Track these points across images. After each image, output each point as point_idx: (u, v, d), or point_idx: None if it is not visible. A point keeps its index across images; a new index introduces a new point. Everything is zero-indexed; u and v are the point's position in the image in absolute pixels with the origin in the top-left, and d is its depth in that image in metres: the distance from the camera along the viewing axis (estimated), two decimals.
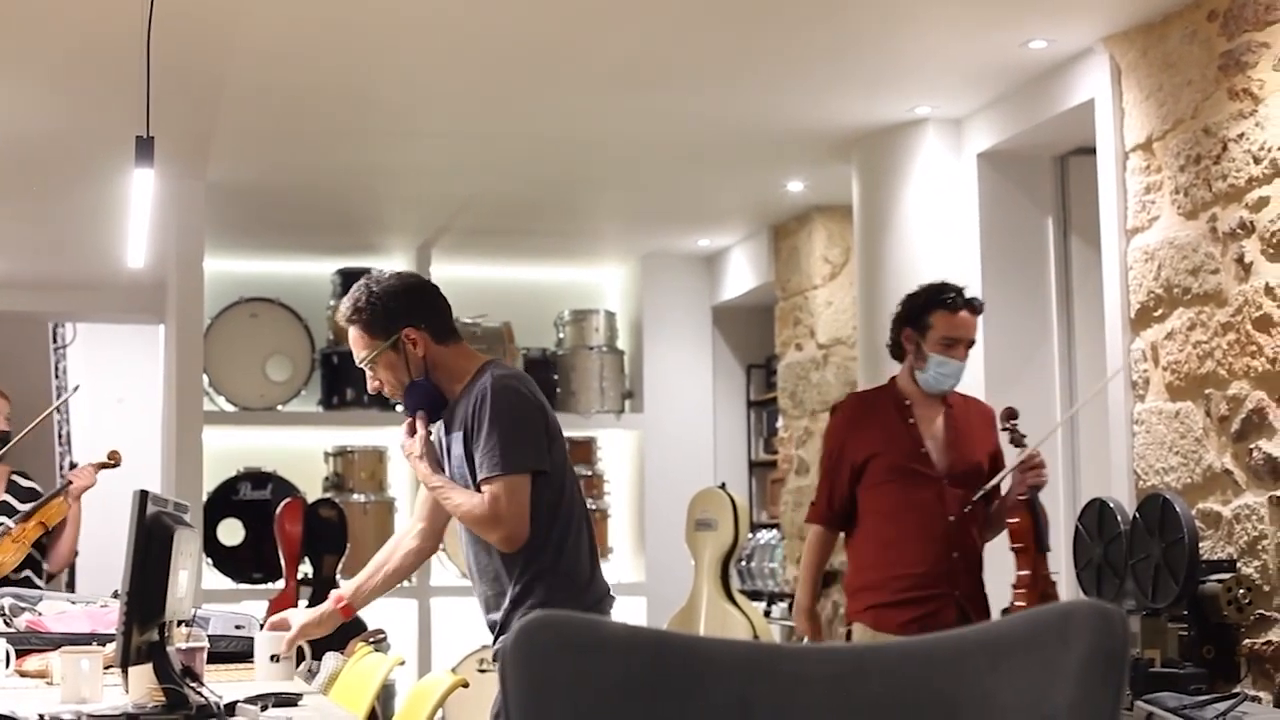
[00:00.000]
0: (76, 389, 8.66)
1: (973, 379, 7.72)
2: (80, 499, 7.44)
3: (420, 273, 10.87)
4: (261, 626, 5.13)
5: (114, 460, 7.42)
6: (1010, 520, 5.90)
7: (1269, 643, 5.58)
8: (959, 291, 5.90)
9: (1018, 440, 5.97)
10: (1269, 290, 5.68)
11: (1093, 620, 2.02)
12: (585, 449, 11.29)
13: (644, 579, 11.39)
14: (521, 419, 4.38)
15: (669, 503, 10.89)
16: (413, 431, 4.59)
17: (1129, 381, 6.49)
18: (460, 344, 4.63)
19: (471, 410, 4.38)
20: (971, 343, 5.96)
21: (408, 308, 4.55)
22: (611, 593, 4.52)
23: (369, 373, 4.62)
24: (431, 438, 4.60)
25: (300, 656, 4.87)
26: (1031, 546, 5.89)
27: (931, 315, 5.85)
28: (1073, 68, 6.96)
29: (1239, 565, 5.73)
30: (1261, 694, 5.52)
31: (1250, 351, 5.74)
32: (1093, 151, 6.85)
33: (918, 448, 5.82)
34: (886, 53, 6.95)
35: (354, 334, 4.58)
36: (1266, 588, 5.63)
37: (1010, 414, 6.06)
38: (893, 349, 6.02)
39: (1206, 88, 6.06)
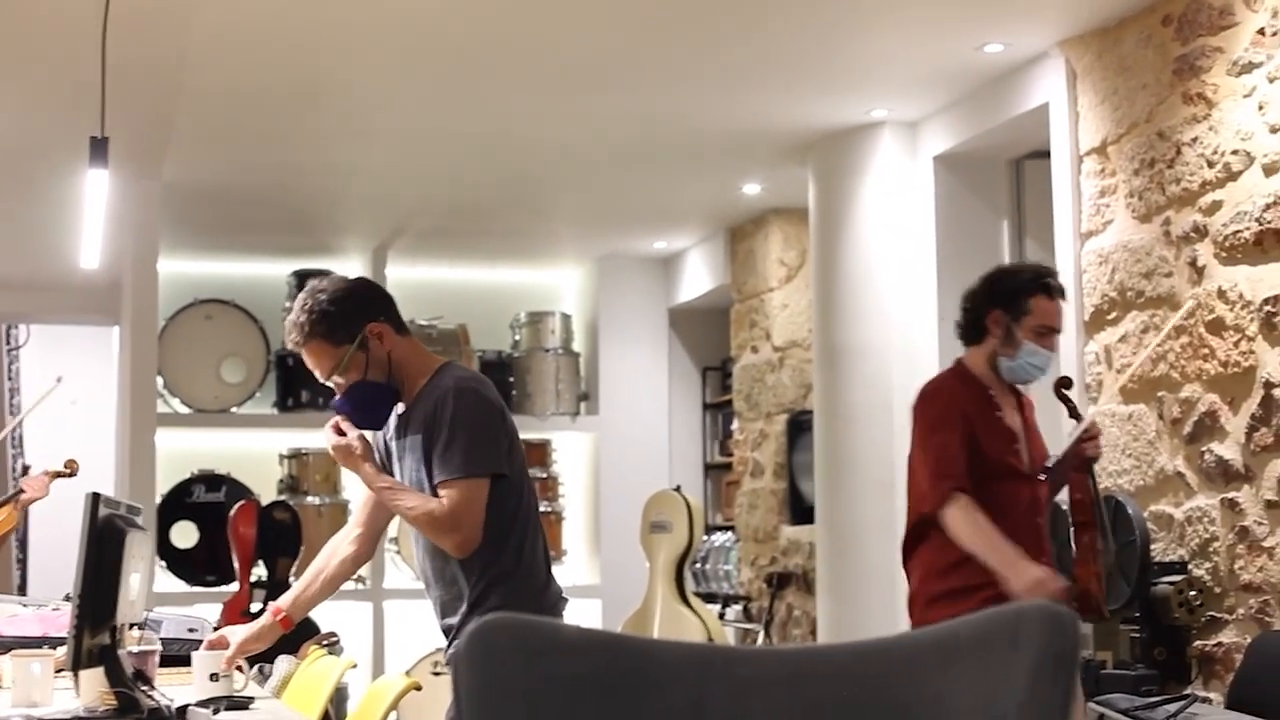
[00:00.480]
0: (60, 381, 8.57)
1: (926, 379, 7.74)
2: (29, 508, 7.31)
3: (376, 274, 10.88)
4: (215, 631, 5.10)
5: (70, 470, 7.31)
6: (1075, 495, 5.23)
7: (1220, 644, 5.61)
8: (1057, 276, 5.21)
9: (1074, 412, 5.37)
10: (1222, 294, 5.71)
11: (1043, 622, 2.02)
12: (540, 451, 11.28)
13: (599, 581, 11.38)
14: (483, 422, 4.30)
15: (624, 505, 10.88)
16: (340, 432, 4.40)
17: (1083, 384, 6.52)
18: (415, 339, 4.56)
19: (432, 412, 4.28)
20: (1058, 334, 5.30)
21: (365, 304, 4.43)
22: (565, 595, 4.47)
23: (337, 383, 4.41)
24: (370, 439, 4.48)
25: (241, 672, 4.82)
26: (1093, 520, 5.23)
27: (1031, 299, 5.07)
28: (1028, 71, 6.99)
29: (1190, 567, 5.76)
30: (1212, 695, 5.55)
31: (1203, 355, 5.77)
32: (1048, 155, 6.88)
33: (1012, 442, 5.11)
34: (843, 56, 6.96)
35: (316, 348, 4.37)
36: (1218, 590, 5.66)
37: (1065, 383, 5.48)
38: (968, 330, 5.20)
39: (1161, 92, 6.09)
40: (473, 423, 4.25)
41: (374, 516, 4.61)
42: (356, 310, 4.39)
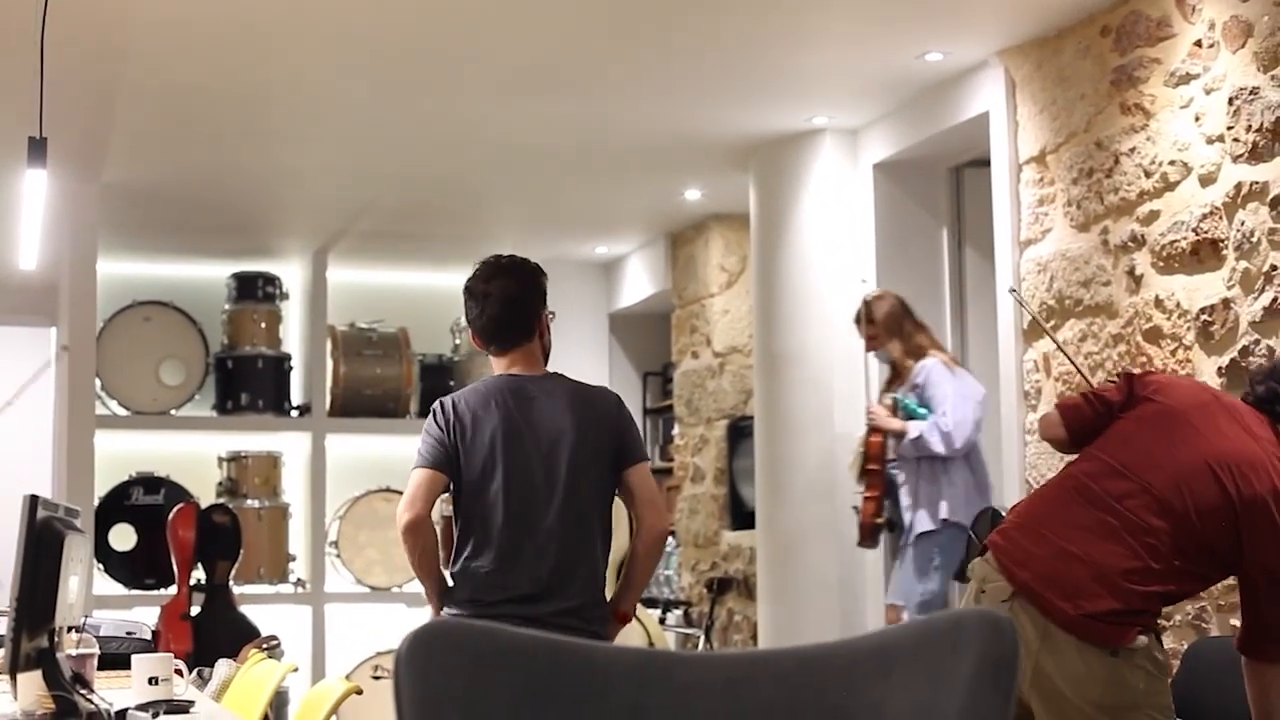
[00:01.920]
0: (65, 348, 8.46)
1: (866, 387, 7.78)
2: None
3: (316, 277, 10.84)
4: (154, 634, 5.08)
5: None
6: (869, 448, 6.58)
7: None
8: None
9: None
10: (1159, 303, 5.76)
11: (982, 629, 2.04)
12: None
13: None
14: None
15: None
16: None
17: (1021, 391, 6.56)
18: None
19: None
20: None
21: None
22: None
23: None
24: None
25: (180, 675, 4.80)
26: (878, 469, 6.54)
27: None
28: (968, 80, 7.03)
29: None
30: None
31: (1140, 363, 5.81)
32: (987, 163, 6.92)
33: None
34: (784, 63, 6.98)
35: None
36: None
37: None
38: None
39: (1099, 102, 6.13)
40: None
41: None
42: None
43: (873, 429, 6.96)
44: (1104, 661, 4.17)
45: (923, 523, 6.78)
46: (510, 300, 4.79)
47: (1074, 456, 4.46)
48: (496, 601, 4.62)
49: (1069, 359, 5.99)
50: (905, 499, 6.88)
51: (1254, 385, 4.51)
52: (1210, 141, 5.55)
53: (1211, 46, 5.57)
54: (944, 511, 6.76)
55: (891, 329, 7.00)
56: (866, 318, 7.06)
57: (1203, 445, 4.28)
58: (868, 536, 7.03)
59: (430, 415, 4.72)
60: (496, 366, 4.84)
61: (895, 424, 6.86)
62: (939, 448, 6.72)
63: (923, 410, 6.80)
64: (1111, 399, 4.47)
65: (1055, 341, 6.15)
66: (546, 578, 4.64)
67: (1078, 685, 4.17)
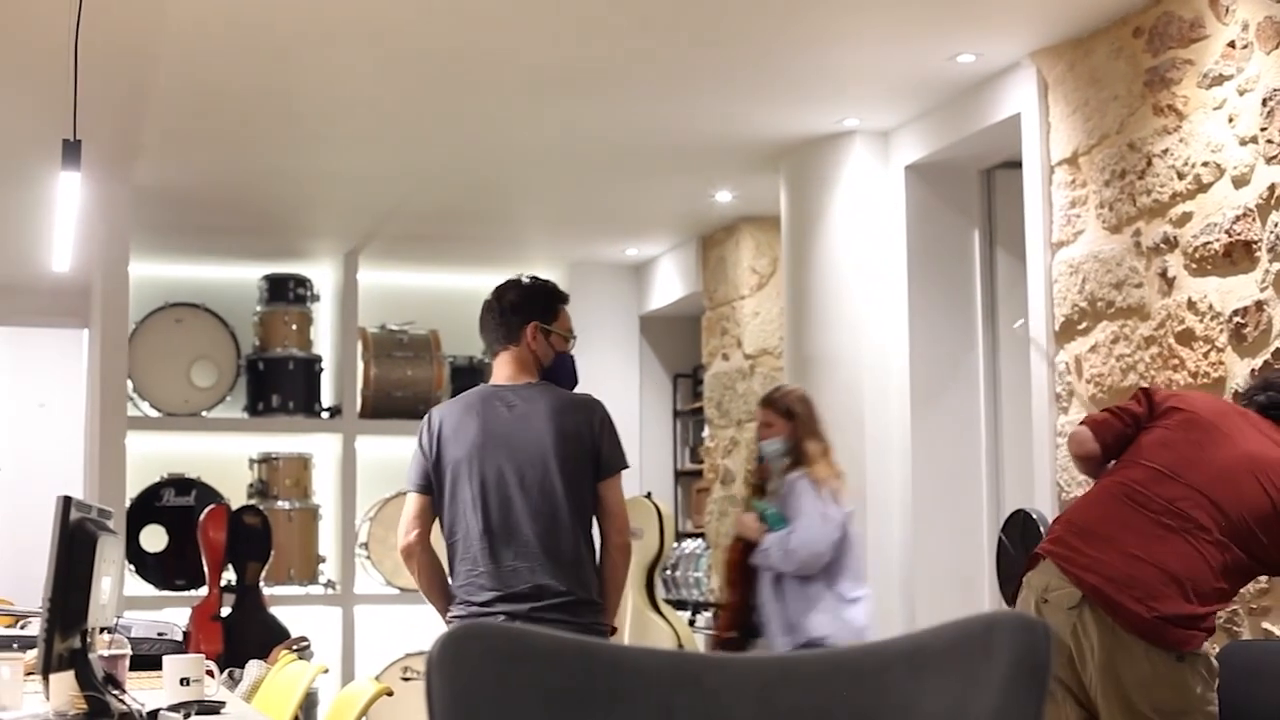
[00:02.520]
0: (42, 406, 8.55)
1: (898, 391, 7.77)
2: None
3: (347, 279, 10.86)
4: (185, 635, 5.10)
5: None
6: None
7: None
8: None
9: None
10: (1191, 305, 5.74)
11: (1016, 632, 2.03)
12: None
13: None
14: None
15: None
16: None
17: (1053, 394, 6.54)
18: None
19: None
20: None
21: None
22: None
23: None
24: None
25: (212, 677, 4.82)
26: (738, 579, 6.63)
27: None
28: (1000, 82, 7.01)
29: None
30: None
31: (1173, 365, 5.79)
32: (1019, 165, 6.90)
33: None
34: (815, 65, 6.98)
35: None
36: None
37: None
38: None
39: (1132, 103, 6.11)
40: None
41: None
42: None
43: (735, 536, 6.69)
44: (1170, 666, 4.23)
45: (781, 645, 6.54)
46: (500, 308, 5.14)
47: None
48: (486, 602, 4.79)
49: None
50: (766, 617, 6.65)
51: (1252, 398, 4.63)
52: (1243, 143, 5.53)
53: (1245, 47, 5.55)
54: (812, 630, 6.53)
55: (791, 425, 6.68)
56: (769, 404, 6.71)
57: (1237, 448, 4.38)
58: (717, 648, 6.86)
59: (419, 430, 4.99)
60: (496, 376, 5.09)
61: (752, 533, 6.54)
62: (778, 564, 6.47)
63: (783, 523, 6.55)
64: (1135, 411, 4.55)
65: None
66: (528, 580, 4.79)
67: (1143, 689, 4.22)
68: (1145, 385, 4.81)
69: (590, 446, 4.91)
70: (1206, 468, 4.36)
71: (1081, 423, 4.71)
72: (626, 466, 5.04)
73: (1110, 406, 4.67)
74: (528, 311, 5.10)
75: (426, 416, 5.01)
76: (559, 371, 5.12)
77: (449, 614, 4.88)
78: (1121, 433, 4.56)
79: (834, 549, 6.49)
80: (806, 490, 6.50)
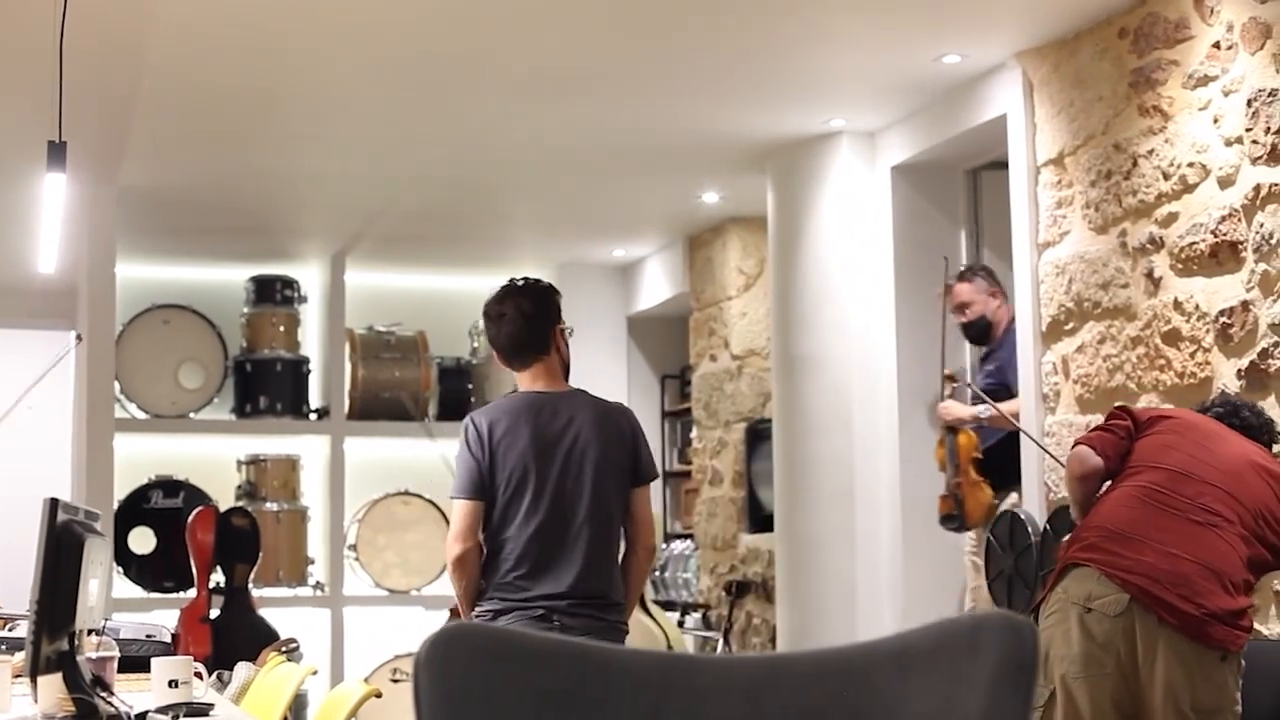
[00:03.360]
0: (79, 337, 8.47)
1: (886, 390, 7.78)
2: None
3: (334, 280, 10.86)
4: (173, 637, 5.09)
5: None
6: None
7: None
8: None
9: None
10: (1178, 305, 5.75)
11: (1003, 632, 2.04)
12: None
13: None
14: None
15: None
16: None
17: (1040, 394, 6.55)
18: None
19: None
20: None
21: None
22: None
23: None
24: None
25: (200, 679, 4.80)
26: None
27: None
28: (986, 82, 7.02)
29: None
30: None
31: (1159, 365, 5.80)
32: (1005, 166, 6.91)
33: None
34: (802, 66, 6.98)
35: None
36: None
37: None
38: None
39: (1117, 104, 6.12)
40: None
41: None
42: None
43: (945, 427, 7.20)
44: (1215, 665, 4.28)
45: None
46: (524, 317, 5.13)
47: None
48: (529, 597, 4.93)
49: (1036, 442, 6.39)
50: None
51: (1225, 421, 4.73)
52: (1229, 143, 5.54)
53: (1230, 48, 5.56)
54: None
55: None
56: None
57: (1233, 447, 4.46)
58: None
59: (462, 434, 5.04)
60: (521, 382, 5.16)
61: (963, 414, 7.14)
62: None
63: None
64: (1125, 424, 4.63)
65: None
66: (573, 581, 4.95)
67: (1188, 688, 4.23)
68: (1123, 404, 4.85)
69: (630, 454, 5.10)
70: (1216, 465, 4.45)
71: (1081, 440, 4.73)
72: (658, 476, 5.33)
73: (1098, 425, 4.72)
74: (550, 317, 5.20)
75: (470, 423, 5.06)
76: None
77: (479, 608, 4.99)
78: (1119, 445, 4.60)
79: None
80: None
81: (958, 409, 7.09)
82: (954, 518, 6.98)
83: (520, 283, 5.27)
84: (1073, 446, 4.79)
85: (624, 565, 5.15)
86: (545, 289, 5.26)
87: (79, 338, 8.60)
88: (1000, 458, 6.91)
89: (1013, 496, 6.80)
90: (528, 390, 5.13)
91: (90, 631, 4.13)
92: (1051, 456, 6.29)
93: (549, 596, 4.94)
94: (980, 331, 7.27)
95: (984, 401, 6.90)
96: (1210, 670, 4.27)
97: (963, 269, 7.35)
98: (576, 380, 5.36)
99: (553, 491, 4.97)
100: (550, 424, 5.02)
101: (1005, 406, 6.77)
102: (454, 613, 6.24)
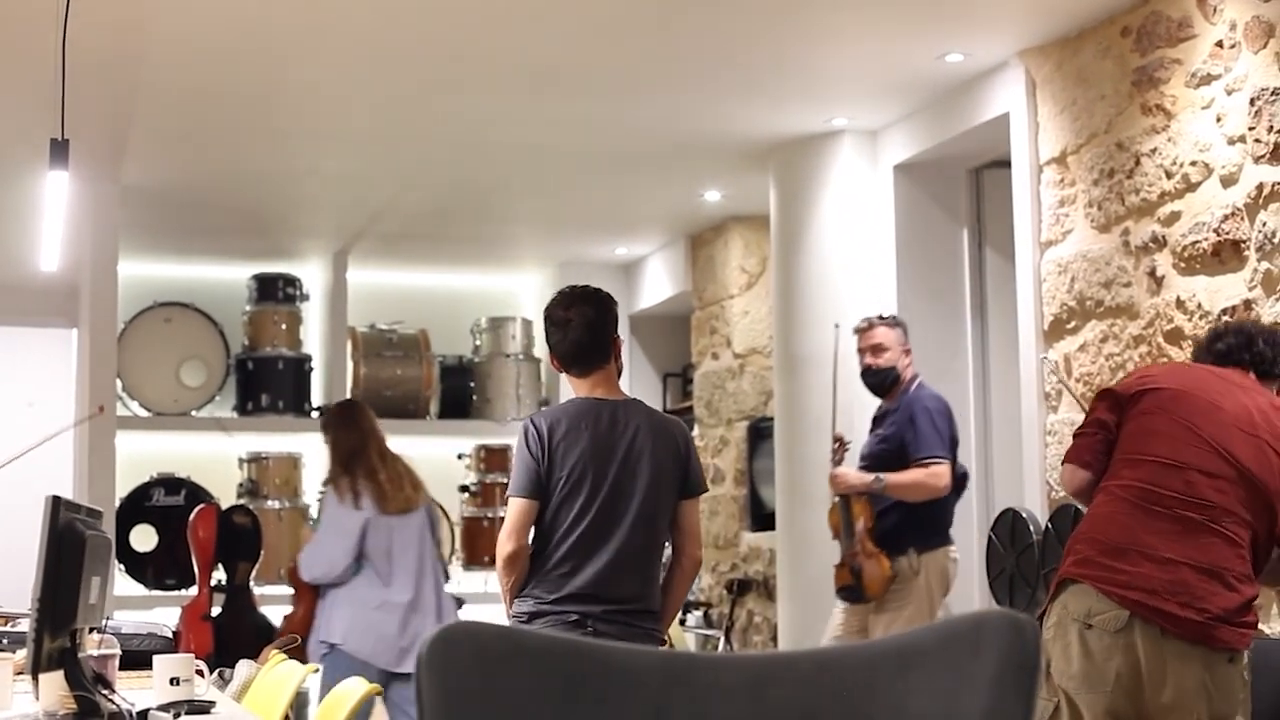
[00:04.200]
0: (100, 410, 8.52)
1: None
2: None
3: (336, 278, 10.86)
4: (175, 635, 5.09)
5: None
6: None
7: None
8: None
9: None
10: (1180, 303, 5.75)
11: (1005, 630, 2.04)
12: (501, 456, 11.25)
13: None
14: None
15: None
16: None
17: (1041, 393, 6.55)
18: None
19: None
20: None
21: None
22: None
23: None
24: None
25: (202, 676, 4.80)
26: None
27: None
28: (988, 81, 7.02)
29: None
30: None
31: (1161, 364, 5.80)
32: (1008, 164, 6.90)
33: None
34: (804, 64, 6.98)
35: None
36: None
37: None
38: None
39: (1120, 103, 6.12)
40: None
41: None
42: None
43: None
44: (1224, 669, 4.22)
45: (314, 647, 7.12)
46: (590, 325, 5.12)
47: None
48: (562, 598, 4.99)
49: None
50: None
51: (1211, 347, 4.60)
52: (1231, 142, 5.54)
53: (1233, 47, 5.56)
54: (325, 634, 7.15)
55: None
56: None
57: (1217, 413, 4.35)
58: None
59: (522, 436, 5.09)
60: (578, 389, 5.18)
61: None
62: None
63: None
64: (1103, 418, 4.50)
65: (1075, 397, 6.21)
66: (610, 585, 5.01)
67: (1199, 696, 4.19)
68: (1107, 387, 4.72)
69: (682, 466, 5.14)
70: (1200, 442, 4.33)
71: (1066, 456, 4.67)
72: (707, 490, 5.39)
73: (1080, 426, 4.65)
74: (611, 325, 5.21)
75: (530, 424, 5.10)
76: None
77: (515, 608, 5.06)
78: (1098, 444, 4.52)
79: (348, 556, 7.25)
80: (328, 500, 7.39)
81: (850, 476, 6.87)
82: (851, 589, 6.77)
83: (582, 289, 5.23)
84: (1062, 463, 4.73)
85: (668, 576, 5.21)
86: (606, 297, 5.24)
87: (101, 409, 8.62)
88: (896, 525, 6.81)
89: (950, 549, 6.78)
90: (588, 397, 5.16)
91: (92, 629, 4.13)
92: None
93: (582, 597, 4.99)
94: (885, 383, 6.94)
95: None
96: (1220, 674, 4.24)
97: (887, 316, 7.09)
98: (563, 377, 5.40)
99: (606, 495, 5.03)
100: (610, 430, 5.07)
101: (904, 477, 6.68)
102: None
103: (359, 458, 7.31)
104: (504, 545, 5.03)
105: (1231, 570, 4.27)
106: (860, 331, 6.99)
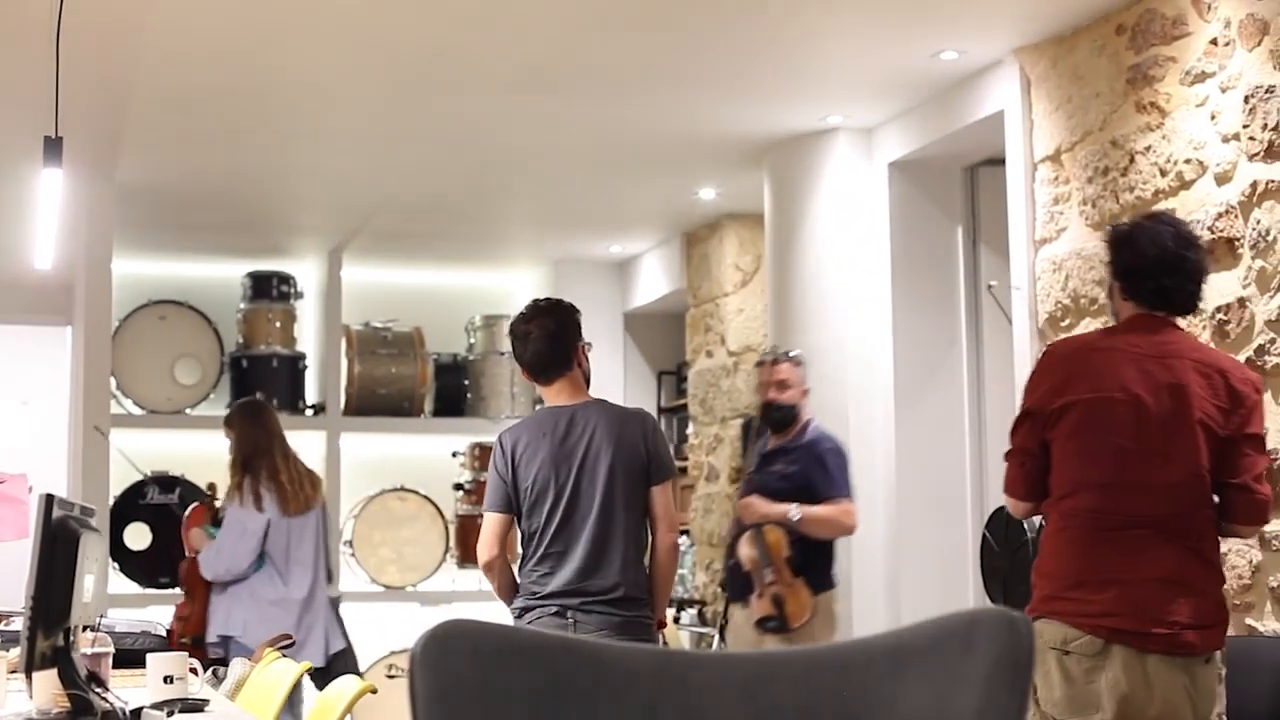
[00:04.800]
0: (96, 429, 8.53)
1: (882, 387, 7.78)
2: None
3: (331, 276, 10.86)
4: (169, 633, 5.09)
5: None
6: None
7: None
8: None
9: None
10: None
11: (998, 628, 2.04)
12: None
13: None
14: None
15: None
16: None
17: None
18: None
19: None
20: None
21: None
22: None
23: None
24: None
25: (195, 674, 4.81)
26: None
27: None
28: (983, 79, 7.02)
29: None
30: None
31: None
32: (1002, 162, 6.90)
33: None
34: (799, 62, 6.98)
35: None
36: None
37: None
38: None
39: (1114, 100, 6.12)
40: None
41: None
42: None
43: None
44: (1201, 671, 4.22)
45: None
46: (549, 336, 5.42)
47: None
48: (546, 595, 5.32)
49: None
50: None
51: (1145, 287, 4.44)
52: (1226, 140, 5.54)
53: (1227, 45, 5.56)
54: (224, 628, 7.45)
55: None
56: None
57: (1143, 413, 4.29)
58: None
59: (493, 453, 5.47)
60: (546, 396, 5.51)
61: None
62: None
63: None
64: (1029, 445, 4.46)
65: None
66: (578, 577, 5.31)
67: (1183, 704, 4.19)
68: (1024, 408, 4.59)
69: (644, 455, 5.39)
70: (1136, 458, 4.28)
71: (1004, 490, 4.64)
72: (675, 473, 5.60)
73: (1009, 453, 4.58)
74: (573, 335, 5.50)
75: (498, 443, 5.46)
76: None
77: (512, 605, 5.45)
78: (1031, 473, 4.46)
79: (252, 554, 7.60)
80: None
81: (762, 506, 6.91)
82: (774, 619, 6.79)
83: (544, 303, 5.56)
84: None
85: (651, 560, 5.48)
86: (567, 308, 5.55)
87: (96, 429, 8.70)
88: (814, 558, 6.88)
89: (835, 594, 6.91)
90: (551, 405, 5.48)
91: (86, 627, 4.12)
92: None
93: (562, 593, 5.30)
94: (786, 419, 7.01)
95: None
96: (1200, 677, 4.24)
97: (793, 353, 7.15)
98: None
99: (568, 498, 5.32)
100: (568, 436, 5.36)
101: (819, 510, 6.83)
102: None
103: (263, 457, 7.60)
104: (480, 556, 5.47)
105: (1193, 574, 4.26)
106: (764, 365, 7.12)
